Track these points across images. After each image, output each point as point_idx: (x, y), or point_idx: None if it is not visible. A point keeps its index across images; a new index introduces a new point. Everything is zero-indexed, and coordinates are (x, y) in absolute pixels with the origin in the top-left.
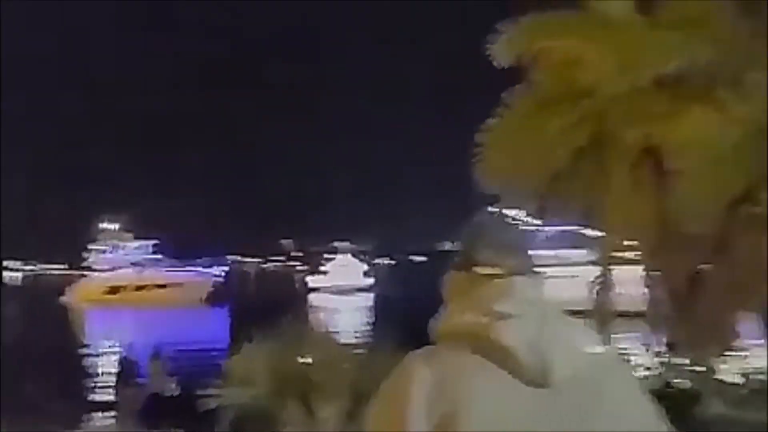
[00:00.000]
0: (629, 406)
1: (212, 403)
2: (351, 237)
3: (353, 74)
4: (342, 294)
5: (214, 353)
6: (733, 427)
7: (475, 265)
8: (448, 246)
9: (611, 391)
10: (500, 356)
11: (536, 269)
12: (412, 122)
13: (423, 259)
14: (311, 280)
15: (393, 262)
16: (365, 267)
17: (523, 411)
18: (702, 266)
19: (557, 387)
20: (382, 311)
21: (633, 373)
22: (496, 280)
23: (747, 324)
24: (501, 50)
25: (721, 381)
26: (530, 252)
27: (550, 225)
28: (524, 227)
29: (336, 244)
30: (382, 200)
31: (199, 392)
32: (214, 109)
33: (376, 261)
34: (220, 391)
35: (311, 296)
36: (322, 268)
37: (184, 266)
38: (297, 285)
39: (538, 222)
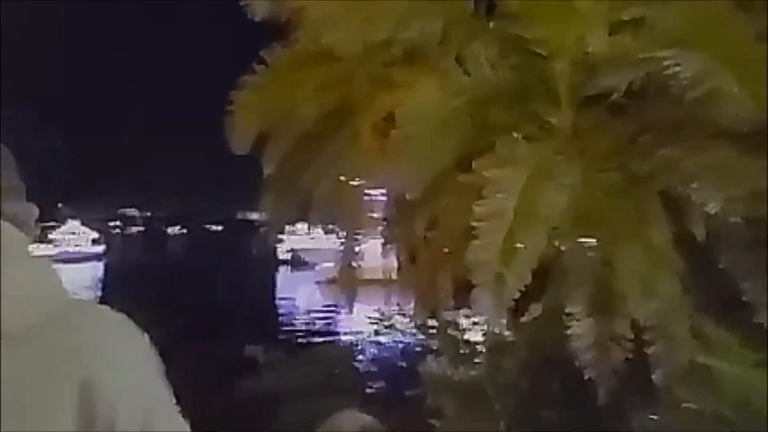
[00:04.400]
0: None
1: None
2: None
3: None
4: (69, 263)
5: None
6: (444, 381)
7: None
8: (246, 215)
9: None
10: None
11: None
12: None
13: (219, 228)
14: (36, 249)
15: (185, 230)
16: (95, 234)
17: None
18: (426, 235)
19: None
20: (113, 281)
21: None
22: None
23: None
24: (257, 3)
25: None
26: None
27: None
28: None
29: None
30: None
31: None
32: None
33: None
34: None
35: None
36: (50, 236)
37: None
38: None
39: None
